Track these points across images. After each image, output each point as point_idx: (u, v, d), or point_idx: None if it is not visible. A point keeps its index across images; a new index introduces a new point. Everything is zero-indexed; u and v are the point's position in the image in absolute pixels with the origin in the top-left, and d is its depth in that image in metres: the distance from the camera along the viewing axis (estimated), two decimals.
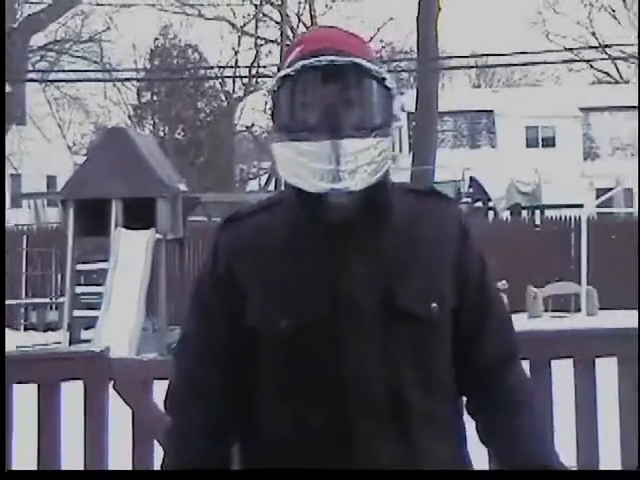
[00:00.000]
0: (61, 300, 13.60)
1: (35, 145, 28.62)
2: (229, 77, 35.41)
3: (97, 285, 12.41)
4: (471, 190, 21.10)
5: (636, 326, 3.44)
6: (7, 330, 11.25)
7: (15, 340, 11.92)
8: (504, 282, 15.52)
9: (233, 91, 36.83)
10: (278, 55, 31.95)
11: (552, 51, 32.92)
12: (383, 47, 36.42)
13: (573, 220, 17.66)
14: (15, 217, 20.68)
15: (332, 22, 30.43)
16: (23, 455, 2.95)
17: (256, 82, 35.27)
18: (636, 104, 32.78)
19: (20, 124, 27.26)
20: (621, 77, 41.38)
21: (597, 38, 38.58)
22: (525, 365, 2.85)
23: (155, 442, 2.90)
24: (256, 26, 36.10)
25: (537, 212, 19.68)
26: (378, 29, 35.10)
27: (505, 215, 20.13)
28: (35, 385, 3.02)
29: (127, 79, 33.58)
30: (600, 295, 16.11)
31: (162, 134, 34.51)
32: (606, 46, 33.49)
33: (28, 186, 27.08)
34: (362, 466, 1.63)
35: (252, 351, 1.70)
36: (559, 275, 16.82)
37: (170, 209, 12.31)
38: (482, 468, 1.83)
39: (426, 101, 21.44)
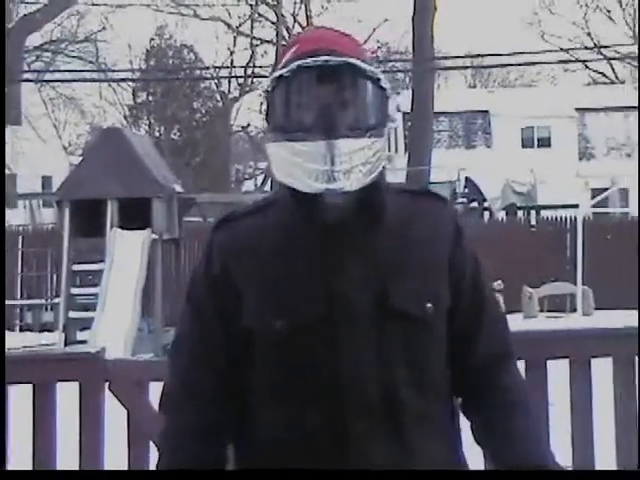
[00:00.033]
0: (56, 301, 13.59)
1: (30, 145, 28.60)
2: (225, 77, 35.40)
3: (93, 286, 12.40)
4: (467, 190, 21.12)
5: (631, 326, 3.45)
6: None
7: (10, 341, 11.90)
8: (500, 282, 15.54)
9: (229, 91, 36.83)
10: (274, 55, 31.95)
11: (548, 51, 32.96)
12: (379, 47, 36.42)
13: (569, 220, 17.68)
14: (10, 218, 20.65)
15: (328, 22, 30.43)
16: (18, 456, 2.94)
17: (252, 82, 35.27)
18: (631, 104, 32.85)
19: (15, 124, 27.21)
20: (617, 77, 41.44)
21: (593, 39, 38.64)
22: (521, 365, 2.86)
23: (151, 443, 2.90)
24: (252, 26, 36.09)
25: (533, 212, 19.71)
26: (374, 29, 35.13)
27: (501, 215, 20.15)
28: (30, 386, 3.02)
29: (123, 79, 33.56)
30: (596, 295, 16.13)
31: (158, 134, 34.49)
32: (602, 47, 33.55)
33: (23, 186, 27.04)
34: (356, 466, 1.63)
35: (247, 352, 1.70)
36: (555, 275, 16.84)
37: (166, 209, 12.30)
38: (477, 468, 1.83)
39: (422, 101, 21.46)
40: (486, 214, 20.60)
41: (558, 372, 3.11)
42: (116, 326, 10.96)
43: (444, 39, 44.51)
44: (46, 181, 30.94)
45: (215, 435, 1.72)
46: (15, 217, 20.31)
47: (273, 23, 34.80)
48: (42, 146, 30.82)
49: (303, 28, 31.43)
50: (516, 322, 12.72)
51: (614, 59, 35.95)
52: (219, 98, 36.88)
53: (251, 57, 35.62)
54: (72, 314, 12.28)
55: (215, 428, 1.72)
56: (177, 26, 36.67)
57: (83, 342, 11.35)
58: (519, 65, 32.31)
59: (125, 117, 36.21)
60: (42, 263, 16.29)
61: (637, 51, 33.06)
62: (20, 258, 16.17)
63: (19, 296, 15.91)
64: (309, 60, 1.63)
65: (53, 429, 3.03)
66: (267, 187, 31.16)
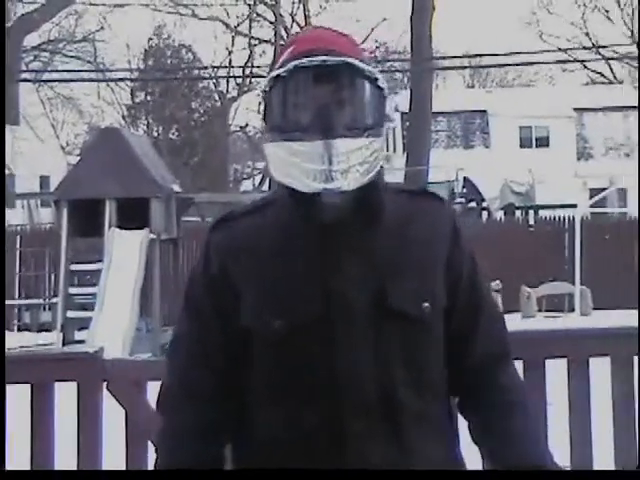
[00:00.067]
0: (55, 301, 13.58)
1: (28, 145, 28.58)
2: (223, 77, 35.40)
3: (91, 285, 12.39)
4: (465, 190, 21.13)
5: (629, 326, 3.45)
6: None
7: (8, 341, 11.89)
8: (498, 282, 15.55)
9: (227, 91, 36.83)
10: (272, 55, 31.94)
11: (546, 51, 32.99)
12: (377, 47, 36.43)
13: (567, 220, 17.69)
14: (9, 217, 20.64)
15: (326, 22, 30.44)
16: (16, 456, 2.94)
17: (250, 82, 35.27)
18: (630, 104, 32.87)
19: (13, 124, 27.20)
20: (615, 77, 41.47)
21: (591, 39, 38.66)
22: (519, 365, 2.86)
23: (149, 443, 2.90)
24: (250, 26, 36.10)
25: (531, 212, 19.73)
26: (372, 29, 35.15)
27: (499, 215, 20.16)
28: (28, 385, 3.02)
29: (121, 79, 33.56)
30: (594, 295, 16.14)
31: (156, 134, 34.49)
32: (600, 46, 33.57)
33: (21, 186, 27.02)
34: (354, 466, 1.63)
35: (245, 351, 1.70)
36: (553, 275, 16.85)
37: (164, 209, 12.30)
38: (475, 468, 1.83)
39: (420, 101, 21.47)
40: (484, 214, 20.62)
41: (556, 372, 3.11)
42: (114, 326, 10.95)
43: (442, 39, 44.60)
44: (44, 181, 30.92)
45: (213, 435, 1.72)
46: (13, 217, 20.30)
47: (271, 23, 34.80)
48: (40, 146, 30.81)
49: (301, 28, 31.41)
50: (514, 322, 12.73)
51: (612, 59, 35.97)
52: (217, 98, 36.88)
53: (249, 57, 35.63)
54: (70, 314, 12.27)
55: (213, 428, 1.72)
56: (175, 26, 36.77)
57: (81, 342, 11.35)
58: (517, 65, 32.32)
59: (123, 117, 36.21)
60: (40, 263, 16.28)
61: (636, 51, 33.09)
62: (18, 258, 16.16)
63: (17, 296, 15.89)
64: (306, 60, 1.63)
65: (51, 429, 3.03)
66: (265, 187, 31.18)
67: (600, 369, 3.20)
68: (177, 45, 35.63)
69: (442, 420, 1.73)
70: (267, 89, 1.68)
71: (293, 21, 34.66)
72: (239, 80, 36.28)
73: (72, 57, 33.61)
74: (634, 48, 34.67)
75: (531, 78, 46.62)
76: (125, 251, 11.67)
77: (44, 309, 15.81)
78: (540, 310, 16.42)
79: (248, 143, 37.79)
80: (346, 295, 1.65)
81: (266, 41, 35.23)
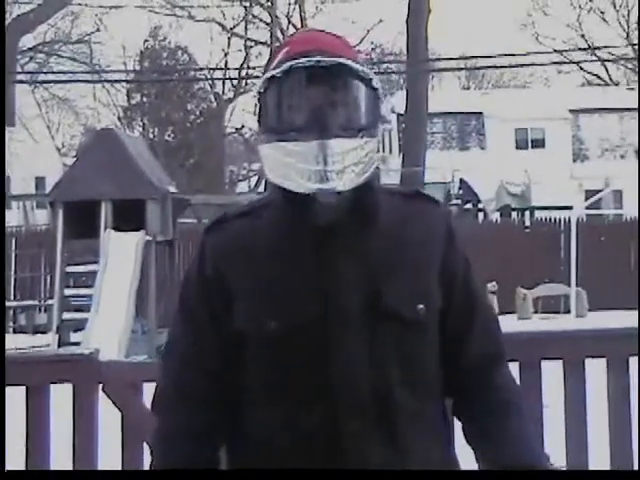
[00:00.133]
0: (50, 302, 13.56)
1: (24, 147, 28.56)
2: (219, 79, 35.41)
3: (86, 287, 12.38)
4: (461, 192, 21.17)
5: (625, 327, 3.46)
6: None
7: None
8: (494, 283, 15.58)
9: (223, 93, 36.84)
10: (268, 57, 31.94)
11: (542, 53, 33.06)
12: (373, 49, 36.48)
13: (563, 221, 17.72)
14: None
15: (322, 24, 30.46)
16: (11, 457, 2.93)
17: (246, 84, 35.28)
18: (625, 106, 32.93)
19: (9, 125, 27.17)
20: (610, 79, 41.55)
21: (586, 40, 38.73)
22: (515, 366, 2.86)
23: (144, 444, 2.89)
24: (246, 28, 36.14)
25: (527, 213, 19.75)
26: (368, 31, 35.19)
27: (495, 216, 20.19)
28: (24, 387, 3.01)
29: (117, 80, 33.57)
30: (589, 296, 16.17)
31: (152, 136, 34.49)
32: (595, 48, 33.63)
33: (17, 188, 27.01)
34: (350, 466, 1.64)
35: (239, 353, 1.70)
36: (549, 276, 16.88)
37: (160, 211, 12.30)
38: (470, 468, 1.83)
39: (416, 103, 21.50)
40: (480, 215, 20.64)
41: (552, 373, 3.12)
42: (110, 327, 10.94)
43: (438, 41, 44.53)
44: (39, 182, 30.91)
45: (207, 436, 1.72)
46: (9, 219, 20.27)
47: (267, 24, 34.83)
48: (35, 147, 30.79)
49: (297, 29, 31.43)
50: (510, 323, 12.75)
51: (608, 61, 36.05)
52: (213, 99, 36.89)
53: (245, 58, 35.65)
54: (66, 315, 12.26)
55: (207, 429, 1.72)
56: (171, 27, 36.73)
57: (77, 344, 11.34)
58: (513, 67, 32.39)
59: (119, 118, 36.20)
60: (35, 264, 16.27)
61: (631, 52, 33.15)
62: (13, 259, 16.14)
63: (12, 298, 15.87)
64: (301, 60, 1.63)
65: (47, 431, 3.02)
66: (261, 188, 31.18)
67: (596, 370, 3.21)
68: (173, 47, 35.65)
69: (437, 421, 1.74)
70: (262, 90, 1.68)
71: (289, 23, 34.69)
72: (235, 82, 36.31)
73: (68, 58, 33.61)
74: (629, 49, 34.75)
75: (527, 80, 46.74)
76: (121, 253, 11.66)
77: (39, 311, 15.80)
78: (536, 311, 16.44)
79: (244, 145, 37.80)
80: (341, 296, 1.65)
81: (262, 43, 35.26)
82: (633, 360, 3.15)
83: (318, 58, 1.63)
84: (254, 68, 32.90)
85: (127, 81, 34.25)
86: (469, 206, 20.74)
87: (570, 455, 3.12)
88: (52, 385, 3.03)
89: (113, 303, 11.31)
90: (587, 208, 18.71)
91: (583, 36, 39.70)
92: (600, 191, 19.73)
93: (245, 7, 35.20)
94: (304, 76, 1.64)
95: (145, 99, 35.36)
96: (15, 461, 2.93)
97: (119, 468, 3.01)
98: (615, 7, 39.98)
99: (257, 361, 1.69)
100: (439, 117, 33.77)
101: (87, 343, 10.45)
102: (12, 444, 2.94)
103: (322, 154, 1.61)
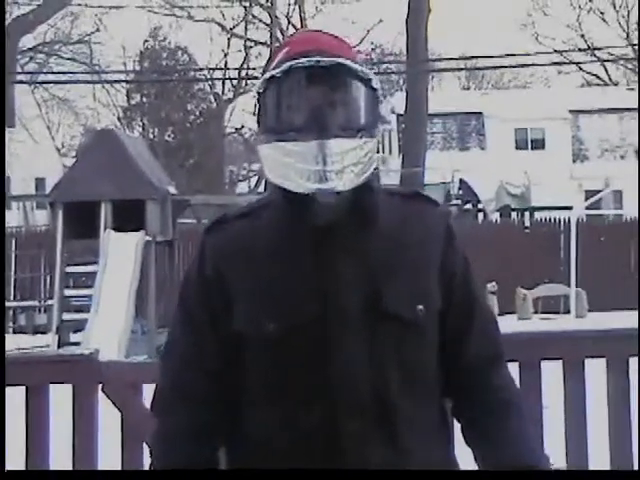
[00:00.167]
0: (50, 303, 13.57)
1: (24, 147, 28.56)
2: (219, 79, 35.43)
3: (86, 288, 12.39)
4: (461, 192, 21.16)
5: (625, 327, 3.46)
6: None
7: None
8: (494, 284, 15.58)
9: (223, 93, 36.84)
10: (268, 57, 31.95)
11: (542, 53, 33.09)
12: (373, 49, 36.48)
13: (562, 222, 17.72)
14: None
15: (322, 24, 30.48)
16: (11, 457, 2.93)
17: (246, 84, 35.28)
18: (625, 106, 32.93)
19: (9, 126, 27.18)
20: (610, 79, 41.55)
21: (586, 40, 38.74)
22: (515, 366, 2.86)
23: (144, 444, 2.89)
24: (245, 28, 36.14)
25: (527, 214, 19.75)
26: (368, 31, 35.20)
27: (495, 217, 20.19)
28: (23, 388, 3.01)
29: (116, 81, 33.57)
30: (589, 297, 16.17)
31: (152, 136, 34.49)
32: (595, 48, 33.63)
33: (17, 188, 27.01)
34: (350, 466, 1.64)
35: (239, 353, 1.70)
36: (548, 277, 16.88)
37: (159, 211, 12.30)
38: (469, 468, 1.82)
39: (416, 103, 21.50)
40: (480, 216, 20.64)
41: (552, 374, 3.12)
42: (110, 328, 10.94)
43: (438, 41, 44.54)
44: (39, 183, 30.91)
45: (207, 437, 1.72)
46: (8, 219, 20.28)
47: (267, 25, 34.84)
48: (35, 148, 30.79)
49: (297, 30, 31.43)
50: (510, 324, 12.75)
51: (608, 61, 36.05)
52: (213, 100, 36.89)
53: (245, 59, 35.66)
54: (65, 316, 12.26)
55: (207, 430, 1.72)
56: (171, 28, 36.73)
57: (76, 344, 11.34)
58: (513, 67, 32.39)
59: (119, 119, 36.20)
60: (35, 265, 16.27)
61: (631, 53, 33.15)
62: (13, 260, 16.14)
63: (12, 298, 15.87)
64: (300, 60, 1.63)
65: (46, 431, 3.02)
66: (261, 189, 31.18)
67: (596, 370, 3.21)
68: (173, 47, 35.65)
69: (436, 421, 1.74)
70: (261, 90, 1.68)
71: (289, 23, 34.70)
72: (235, 82, 36.31)
73: (68, 59, 33.61)
74: (629, 50, 34.75)
75: (527, 80, 46.74)
76: (121, 253, 11.66)
77: (39, 311, 15.80)
78: (536, 312, 16.44)
79: (244, 145, 37.81)
80: (340, 296, 1.65)
81: (262, 43, 35.27)
82: (633, 360, 3.16)
83: (317, 58, 1.63)
84: (254, 68, 32.90)
85: (127, 81, 34.26)
86: (469, 206, 20.74)
87: (570, 455, 3.12)
88: (52, 385, 3.03)
89: (113, 303, 11.31)
90: (587, 208, 18.70)
91: (583, 36, 39.73)
92: (600, 191, 19.72)
93: (245, 7, 35.21)
94: (303, 76, 1.64)
95: (145, 99, 35.36)
96: (15, 461, 2.93)
97: (119, 468, 3.01)
98: (615, 7, 40.00)
99: (256, 361, 1.69)
100: (439, 117, 33.76)
101: (87, 343, 10.45)
102: (12, 444, 2.94)
103: (321, 154, 1.61)
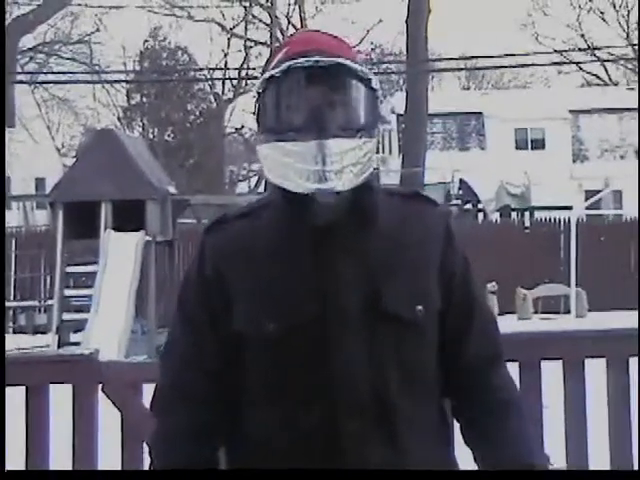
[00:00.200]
0: (50, 303, 13.56)
1: (24, 147, 28.56)
2: (219, 79, 35.42)
3: (86, 288, 12.38)
4: (461, 192, 21.17)
5: (625, 327, 3.46)
6: None
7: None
8: (494, 284, 15.58)
9: (223, 93, 36.84)
10: (267, 57, 31.93)
11: (542, 53, 33.08)
12: (373, 49, 36.48)
13: (562, 222, 17.72)
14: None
15: (322, 24, 30.48)
16: (11, 457, 2.93)
17: (246, 84, 35.28)
18: (625, 106, 32.93)
19: (9, 126, 27.18)
20: (610, 79, 41.55)
21: (586, 40, 38.74)
22: (515, 366, 2.86)
23: (144, 444, 2.89)
24: (245, 28, 36.14)
25: (527, 214, 19.75)
26: (368, 31, 35.20)
27: (495, 217, 20.19)
28: (23, 388, 3.01)
29: (116, 81, 33.57)
30: (589, 296, 16.17)
31: (151, 136, 34.48)
32: (595, 48, 33.63)
33: (17, 188, 27.01)
34: (349, 466, 1.64)
35: (239, 353, 1.70)
36: (548, 277, 16.88)
37: (159, 211, 12.30)
38: (469, 468, 1.82)
39: (416, 103, 21.49)
40: (480, 216, 20.64)
41: (552, 374, 3.12)
42: (110, 328, 10.94)
43: (438, 41, 44.57)
44: (39, 183, 30.91)
45: (206, 437, 1.72)
46: (8, 219, 20.28)
47: (267, 25, 34.84)
48: (35, 148, 30.79)
49: (297, 30, 31.43)
50: (510, 324, 12.75)
51: (608, 61, 36.05)
52: (213, 100, 36.89)
53: (245, 59, 35.66)
54: (65, 316, 12.26)
55: (207, 430, 1.72)
56: (171, 28, 36.74)
57: (76, 344, 11.34)
58: (513, 67, 32.38)
59: (119, 119, 36.20)
60: (35, 265, 16.27)
61: (631, 53, 33.14)
62: (13, 260, 16.14)
63: (12, 298, 15.87)
64: (300, 60, 1.63)
65: (46, 431, 3.02)
66: (261, 189, 31.18)
67: (596, 370, 3.21)
68: (173, 47, 35.65)
69: (436, 421, 1.74)
70: (260, 90, 1.68)
71: (289, 23, 34.70)
72: (235, 82, 36.31)
73: (68, 59, 33.61)
74: (629, 50, 34.74)
75: (527, 80, 46.75)
76: (121, 253, 11.66)
77: (39, 311, 15.79)
78: (536, 312, 16.44)
79: (244, 145, 37.80)
80: (340, 296, 1.65)
81: (262, 43, 35.27)
82: (633, 360, 3.16)
83: (317, 58, 1.63)
84: (254, 68, 32.89)
85: (127, 81, 34.25)
86: (469, 206, 20.74)
87: (570, 455, 3.12)
88: (52, 385, 3.03)
89: (113, 303, 11.31)
90: (587, 208, 18.70)
91: (583, 36, 39.73)
92: (600, 191, 19.72)
93: (245, 7, 35.21)
94: (303, 76, 1.64)
95: (145, 99, 35.36)
96: (15, 461, 2.93)
97: (119, 468, 3.01)
98: (615, 7, 40.00)
99: (256, 361, 1.69)
100: (439, 117, 33.76)
101: (87, 343, 10.45)
102: (12, 444, 2.94)
103: (320, 154, 1.61)
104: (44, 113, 35.06)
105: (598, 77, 42.02)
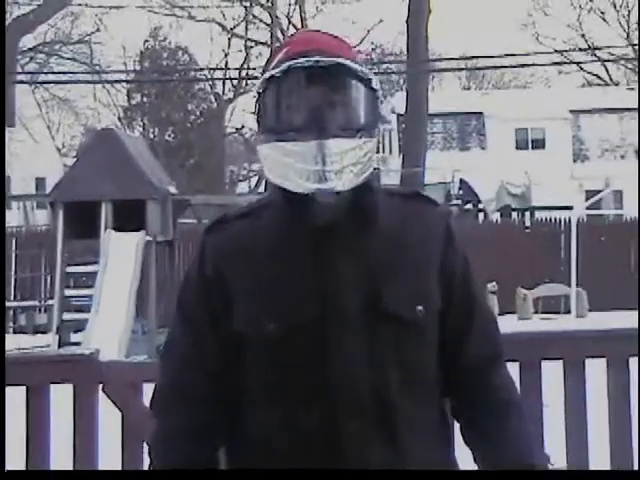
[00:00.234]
0: (50, 303, 13.57)
1: (24, 147, 28.56)
2: (219, 79, 35.42)
3: (87, 287, 12.38)
4: (461, 192, 21.17)
5: (625, 327, 3.46)
6: None
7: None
8: (494, 284, 15.58)
9: (223, 93, 36.85)
10: (268, 57, 31.93)
11: (542, 53, 33.07)
12: (373, 49, 36.48)
13: (563, 222, 17.72)
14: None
15: (322, 24, 30.48)
16: (11, 457, 2.94)
17: (246, 84, 35.28)
18: (625, 106, 32.93)
19: (9, 126, 27.19)
20: (611, 79, 41.55)
21: (587, 40, 38.74)
22: (515, 366, 2.86)
23: (144, 445, 2.89)
24: (246, 28, 36.14)
25: (527, 214, 19.75)
26: (368, 31, 35.20)
27: (495, 217, 20.19)
28: (24, 388, 3.01)
29: (117, 81, 33.57)
30: (589, 296, 16.17)
31: (152, 136, 34.49)
32: (596, 48, 33.63)
33: (17, 188, 27.02)
34: (350, 466, 1.64)
35: (239, 353, 1.70)
36: (549, 277, 16.88)
37: (160, 211, 12.30)
38: (469, 468, 1.83)
39: (416, 103, 21.49)
40: (481, 216, 20.64)
41: (552, 374, 3.12)
42: (110, 328, 10.94)
43: (438, 41, 44.57)
44: (40, 183, 30.92)
45: (207, 437, 1.72)
46: (9, 219, 20.28)
47: (267, 25, 34.83)
48: (36, 148, 30.79)
49: (297, 30, 31.43)
50: (510, 324, 12.75)
51: (608, 61, 36.04)
52: (213, 100, 36.89)
53: (245, 59, 35.66)
54: (66, 316, 12.26)
55: (207, 430, 1.72)
56: (172, 28, 36.75)
57: (77, 344, 11.34)
58: (513, 67, 32.38)
59: (119, 119, 36.21)
60: (36, 265, 16.27)
61: (631, 52, 33.13)
62: (14, 260, 16.14)
63: (13, 298, 15.87)
64: (300, 60, 1.63)
65: (47, 431, 3.02)
66: (261, 189, 31.18)
67: (596, 370, 3.21)
68: (173, 47, 35.65)
69: (436, 421, 1.74)
70: (261, 90, 1.68)
71: (289, 23, 34.70)
72: (235, 82, 36.31)
73: (68, 59, 33.61)
74: (629, 50, 34.74)
75: (527, 80, 46.75)
76: (121, 253, 11.66)
77: (40, 311, 15.80)
78: (536, 312, 16.44)
79: (244, 145, 37.81)
80: (340, 296, 1.65)
81: (262, 43, 35.27)
82: (633, 360, 3.16)
83: (317, 58, 1.63)
84: (254, 68, 32.88)
85: (127, 81, 34.25)
86: (469, 206, 20.74)
87: (570, 455, 3.12)
88: (52, 385, 3.03)
89: (113, 303, 11.31)
90: (587, 208, 18.70)
91: (583, 36, 39.72)
92: (600, 191, 19.72)
93: (245, 7, 35.20)
94: (303, 76, 1.64)
95: (145, 99, 35.36)
96: (15, 461, 2.93)
97: (119, 468, 3.01)
98: (615, 7, 40.00)
99: (256, 361, 1.69)
100: (439, 117, 33.76)
101: (87, 343, 10.45)
102: (12, 444, 2.94)
103: (321, 154, 1.61)
104: (44, 113, 35.08)
105: (599, 77, 42.02)
